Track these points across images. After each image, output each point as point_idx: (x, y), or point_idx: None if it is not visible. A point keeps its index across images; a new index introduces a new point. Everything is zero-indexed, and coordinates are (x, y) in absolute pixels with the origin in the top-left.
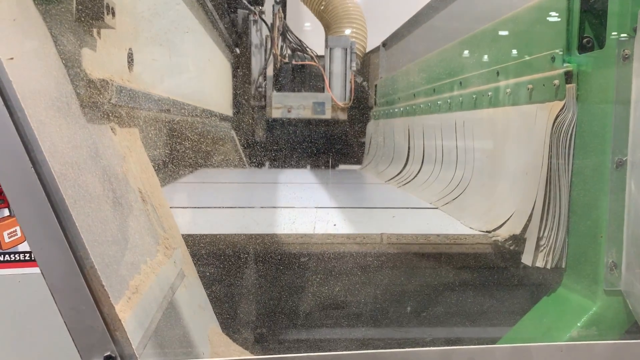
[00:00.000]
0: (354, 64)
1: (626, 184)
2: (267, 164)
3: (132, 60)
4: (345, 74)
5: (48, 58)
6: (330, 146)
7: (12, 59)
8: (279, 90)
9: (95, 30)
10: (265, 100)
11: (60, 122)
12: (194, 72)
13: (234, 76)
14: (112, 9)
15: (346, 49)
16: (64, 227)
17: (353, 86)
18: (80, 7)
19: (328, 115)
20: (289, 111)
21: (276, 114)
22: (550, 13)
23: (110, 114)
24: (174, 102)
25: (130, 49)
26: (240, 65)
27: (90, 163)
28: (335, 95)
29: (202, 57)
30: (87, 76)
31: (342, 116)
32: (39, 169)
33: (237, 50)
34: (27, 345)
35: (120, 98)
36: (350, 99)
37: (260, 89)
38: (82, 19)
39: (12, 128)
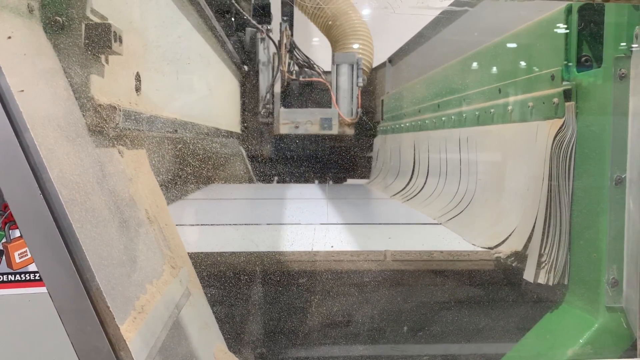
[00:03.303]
0: (360, 80)
1: (625, 201)
2: (275, 179)
3: (139, 82)
4: (352, 89)
5: (58, 87)
6: (340, 164)
7: (22, 91)
8: (286, 106)
9: (103, 56)
10: (272, 116)
11: (69, 149)
12: (203, 93)
13: (242, 94)
14: (120, 36)
15: (352, 65)
16: (71, 251)
17: (360, 101)
18: (89, 36)
19: (335, 130)
20: (296, 127)
21: (284, 130)
22: (549, 32)
23: (118, 138)
24: (182, 123)
25: (137, 73)
26: (248, 83)
27: (97, 187)
28: (342, 111)
29: (211, 79)
30: (95, 102)
31: (349, 131)
32: (47, 195)
33: (245, 68)
34: None
35: (128, 122)
36: (357, 115)
37: (268, 106)
38: (91, 48)
39: (22, 157)
